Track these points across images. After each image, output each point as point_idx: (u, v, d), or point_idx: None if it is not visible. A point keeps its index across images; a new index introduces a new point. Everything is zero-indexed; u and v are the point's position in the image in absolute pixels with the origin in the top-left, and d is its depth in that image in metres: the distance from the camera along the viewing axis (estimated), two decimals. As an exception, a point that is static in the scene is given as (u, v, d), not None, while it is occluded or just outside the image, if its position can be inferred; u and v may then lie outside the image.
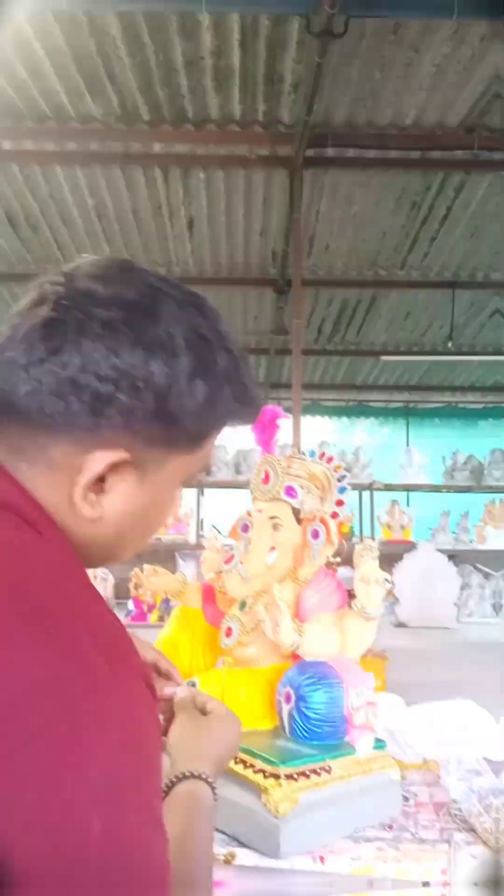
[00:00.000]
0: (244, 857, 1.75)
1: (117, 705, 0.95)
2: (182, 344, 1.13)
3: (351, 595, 2.09)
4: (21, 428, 1.09)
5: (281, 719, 2.00)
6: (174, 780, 1.40)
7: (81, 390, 1.05)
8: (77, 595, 1.03)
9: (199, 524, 13.58)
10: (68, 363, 1.05)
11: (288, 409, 12.96)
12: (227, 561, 2.23)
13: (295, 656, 2.03)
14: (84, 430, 1.08)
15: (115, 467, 1.11)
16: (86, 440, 1.08)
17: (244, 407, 1.27)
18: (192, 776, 1.41)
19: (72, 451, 1.09)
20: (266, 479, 2.22)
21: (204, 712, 1.60)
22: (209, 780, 1.41)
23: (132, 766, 0.94)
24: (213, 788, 1.41)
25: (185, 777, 1.40)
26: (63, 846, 0.86)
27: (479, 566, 12.69)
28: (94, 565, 1.25)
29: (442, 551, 11.80)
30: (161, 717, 1.59)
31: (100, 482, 1.12)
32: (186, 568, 11.77)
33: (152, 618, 10.86)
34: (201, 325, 1.18)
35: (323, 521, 2.13)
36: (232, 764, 1.88)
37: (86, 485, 1.10)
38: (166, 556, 12.51)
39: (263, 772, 1.82)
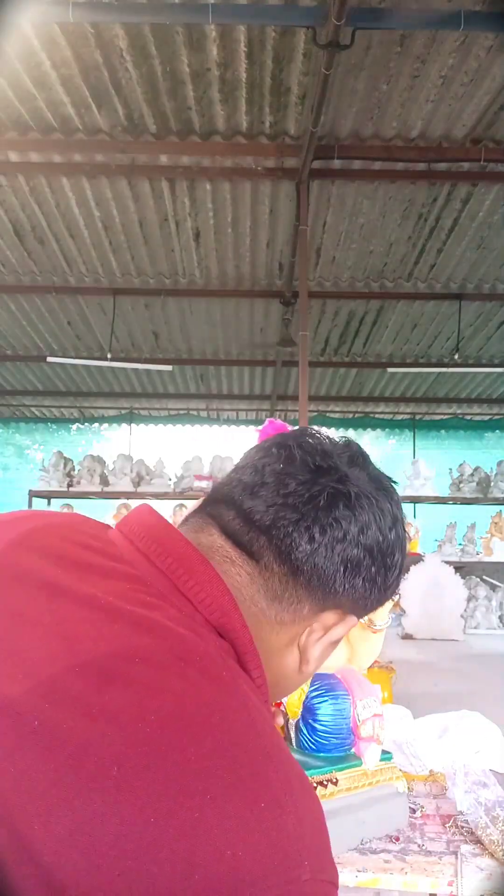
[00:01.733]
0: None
1: None
2: (402, 538, 1.26)
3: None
4: (288, 579, 1.15)
5: (288, 731, 2.00)
6: None
7: (351, 559, 1.15)
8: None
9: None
10: (348, 532, 1.14)
11: (294, 421, 12.98)
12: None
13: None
14: (336, 594, 1.17)
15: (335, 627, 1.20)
16: (330, 601, 1.17)
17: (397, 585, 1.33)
18: None
19: (316, 607, 1.17)
20: (272, 490, 2.21)
21: None
22: None
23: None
24: None
25: None
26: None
27: (486, 578, 12.69)
28: None
29: (448, 563, 11.81)
30: None
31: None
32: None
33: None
34: (398, 512, 1.28)
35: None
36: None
37: (328, 642, 1.20)
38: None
39: (270, 783, 1.81)
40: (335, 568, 1.14)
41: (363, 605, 1.22)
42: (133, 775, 0.79)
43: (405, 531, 1.27)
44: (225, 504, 1.20)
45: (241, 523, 1.16)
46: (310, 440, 1.24)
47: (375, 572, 1.18)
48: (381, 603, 1.25)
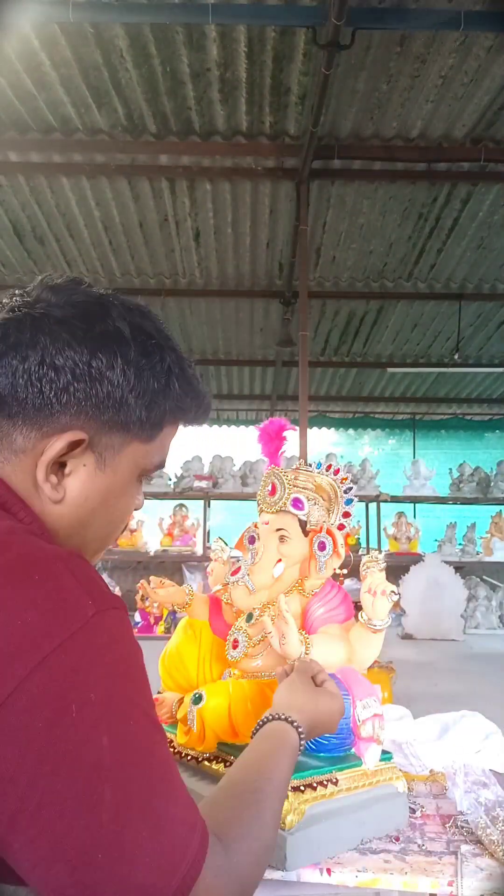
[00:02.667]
0: (250, 869, 1.74)
1: (103, 632, 1.08)
2: (129, 338, 1.30)
3: (357, 607, 2.08)
4: None
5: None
6: (266, 719, 1.56)
7: (40, 380, 1.21)
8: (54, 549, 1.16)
9: (206, 536, 13.58)
10: (27, 357, 1.21)
11: (294, 421, 12.98)
12: (234, 573, 2.22)
13: (301, 668, 2.03)
14: (43, 416, 1.23)
15: (73, 449, 1.26)
16: (45, 425, 1.23)
17: (193, 401, 1.42)
18: (284, 719, 1.53)
19: (32, 435, 1.24)
20: (273, 491, 2.21)
21: (317, 684, 1.74)
22: (299, 728, 1.53)
23: (125, 682, 1.09)
24: (301, 736, 1.52)
25: (276, 718, 1.55)
26: (78, 765, 0.98)
27: (486, 578, 12.69)
28: None
29: (448, 563, 11.80)
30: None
31: (62, 467, 1.27)
32: (193, 580, 11.80)
33: (159, 629, 10.87)
34: (147, 325, 1.34)
35: (329, 533, 2.12)
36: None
37: (48, 463, 1.24)
38: (173, 568, 12.54)
39: (270, 784, 1.82)
40: (24, 383, 1.21)
41: (103, 411, 1.27)
42: None
43: (118, 319, 1.31)
44: None
45: None
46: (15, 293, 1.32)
47: (78, 367, 1.24)
48: (141, 413, 1.32)
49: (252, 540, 2.25)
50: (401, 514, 13.73)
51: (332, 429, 19.73)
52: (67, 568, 1.10)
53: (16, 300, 1.28)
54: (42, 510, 1.27)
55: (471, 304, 12.61)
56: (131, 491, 1.39)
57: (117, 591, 11.48)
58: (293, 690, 1.68)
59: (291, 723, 1.52)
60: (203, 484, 13.57)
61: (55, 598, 1.06)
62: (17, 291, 1.31)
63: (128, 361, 1.28)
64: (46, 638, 1.01)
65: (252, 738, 1.52)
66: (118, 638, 1.10)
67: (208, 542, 13.36)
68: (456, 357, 13.54)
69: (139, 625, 11.16)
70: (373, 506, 13.98)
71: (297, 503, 2.18)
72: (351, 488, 2.24)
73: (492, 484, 14.36)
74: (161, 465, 1.44)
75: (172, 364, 1.36)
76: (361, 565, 2.03)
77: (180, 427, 1.47)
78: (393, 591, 1.97)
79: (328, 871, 1.74)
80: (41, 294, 1.29)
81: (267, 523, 2.21)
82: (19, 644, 1.00)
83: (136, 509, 1.46)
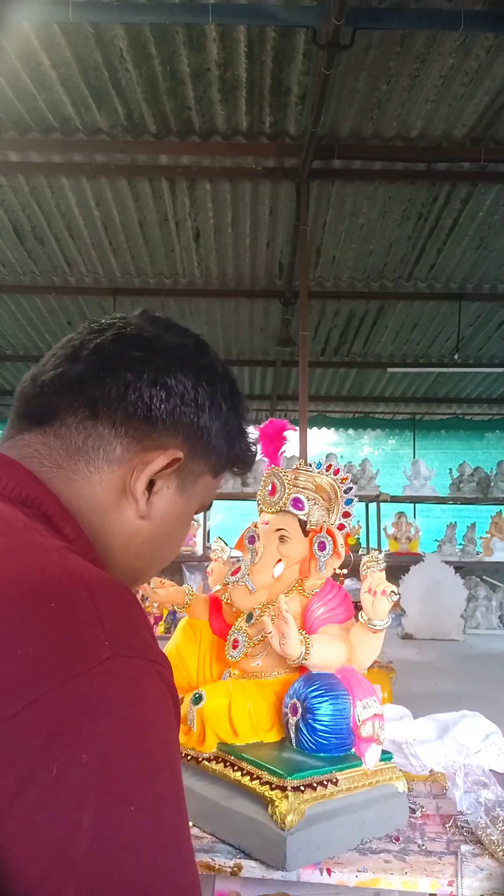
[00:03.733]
0: (251, 869, 1.74)
1: (117, 684, 0.92)
2: (223, 376, 1.40)
3: (357, 607, 2.08)
4: (87, 424, 1.24)
5: (287, 731, 2.00)
6: None
7: (151, 397, 1.25)
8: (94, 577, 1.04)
9: (206, 536, 13.58)
10: (141, 373, 1.25)
11: (294, 421, 12.98)
12: (234, 573, 2.22)
13: (301, 668, 2.03)
14: (146, 431, 1.25)
15: (169, 468, 1.28)
16: (147, 440, 1.26)
17: (247, 449, 1.50)
18: None
19: (133, 448, 1.25)
20: (273, 491, 2.21)
21: None
22: None
23: (138, 758, 0.90)
24: None
25: None
26: (51, 836, 0.81)
27: (486, 578, 12.70)
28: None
29: (448, 563, 11.80)
30: None
31: (151, 484, 1.28)
32: (193, 580, 11.79)
33: (159, 629, 10.87)
34: (229, 371, 1.44)
35: (329, 533, 2.12)
36: (239, 776, 1.88)
37: (150, 475, 1.26)
38: (173, 568, 12.54)
39: (270, 783, 1.81)
40: (135, 398, 1.24)
41: (197, 438, 1.33)
42: None
43: (214, 359, 1.40)
44: (18, 402, 1.31)
45: (32, 397, 1.28)
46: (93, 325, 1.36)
47: (187, 393, 1.30)
48: (224, 439, 1.39)
49: (252, 540, 2.24)
50: (401, 514, 13.74)
51: (332, 429, 19.74)
52: (91, 598, 0.97)
53: (120, 322, 1.33)
54: (114, 528, 1.27)
55: (471, 304, 12.62)
56: (189, 523, 1.43)
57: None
58: None
59: None
60: (203, 484, 13.58)
61: (64, 630, 0.92)
62: (117, 316, 1.37)
63: (223, 396, 1.37)
64: (43, 677, 0.87)
65: None
66: (140, 697, 0.94)
67: (208, 542, 13.36)
68: (456, 357, 13.54)
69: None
70: (373, 506, 13.98)
71: (297, 503, 2.18)
72: (351, 488, 2.24)
73: (492, 484, 14.36)
74: (208, 507, 1.50)
75: (240, 404, 1.44)
76: (361, 565, 2.03)
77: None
78: (393, 591, 1.97)
79: (328, 871, 1.74)
80: (143, 322, 1.36)
81: (267, 523, 2.21)
82: (12, 680, 0.86)
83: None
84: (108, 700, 0.90)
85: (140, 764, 0.90)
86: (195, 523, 13.37)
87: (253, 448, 1.51)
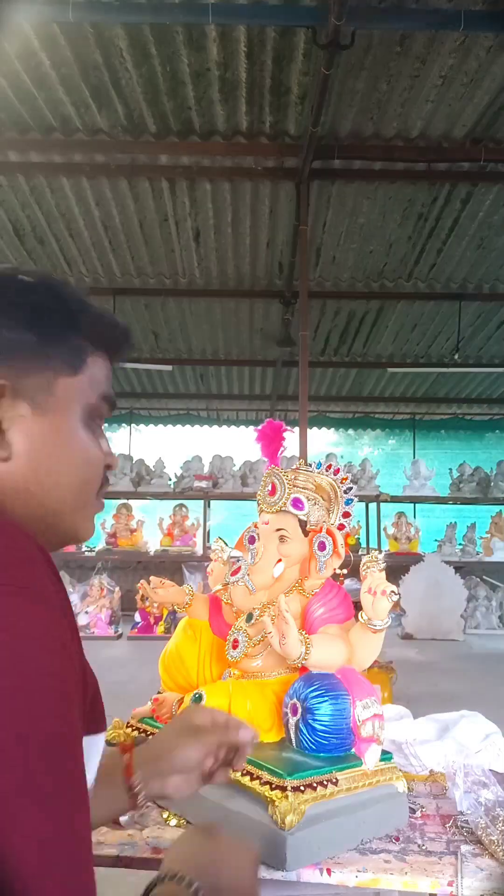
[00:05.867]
0: (250, 869, 1.74)
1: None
2: (30, 288, 1.31)
3: (357, 607, 2.08)
4: None
5: (287, 731, 2.00)
6: (155, 881, 1.27)
7: None
8: None
9: (206, 536, 13.59)
10: None
11: (294, 421, 12.99)
12: (234, 573, 2.22)
13: (301, 668, 2.03)
14: None
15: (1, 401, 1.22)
16: None
17: (106, 328, 1.41)
18: (176, 880, 1.26)
19: None
20: (272, 491, 2.21)
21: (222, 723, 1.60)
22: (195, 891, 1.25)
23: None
24: None
25: (168, 878, 1.27)
26: None
27: (486, 578, 12.71)
28: (51, 538, 1.28)
29: (448, 563, 11.83)
30: None
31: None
32: (193, 580, 11.81)
33: (159, 629, 10.89)
34: (51, 282, 1.34)
35: (329, 533, 2.12)
36: (239, 776, 1.88)
37: None
38: (173, 568, 12.56)
39: (270, 784, 1.81)
40: None
41: (16, 358, 1.25)
42: None
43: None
44: None
45: None
46: None
47: None
48: (57, 344, 1.30)
49: (252, 540, 2.25)
50: (401, 514, 13.76)
51: (332, 429, 19.72)
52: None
53: None
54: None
55: (471, 304, 12.61)
56: (82, 435, 1.34)
57: (117, 591, 11.50)
58: (192, 843, 1.45)
59: (189, 885, 1.25)
60: (203, 484, 13.59)
61: None
62: None
63: (30, 302, 1.29)
64: None
65: None
66: (7, 628, 0.95)
67: (208, 542, 13.38)
68: (456, 357, 13.54)
69: (139, 624, 11.17)
70: (373, 506, 13.99)
71: (297, 503, 2.18)
72: (351, 488, 2.24)
73: (492, 484, 14.38)
74: (107, 400, 1.41)
75: (77, 301, 1.35)
76: (361, 565, 2.03)
77: (119, 365, 1.48)
78: (393, 591, 1.97)
79: (328, 871, 1.74)
80: None
81: (267, 523, 2.21)
82: None
83: (108, 466, 1.40)
84: None
85: (10, 705, 0.92)
86: (195, 522, 13.40)
87: (106, 320, 1.42)
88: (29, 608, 0.98)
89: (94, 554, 13.10)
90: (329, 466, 2.27)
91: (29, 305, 1.28)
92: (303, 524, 2.18)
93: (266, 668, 2.14)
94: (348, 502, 2.23)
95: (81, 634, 1.12)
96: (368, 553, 2.07)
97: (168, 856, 1.41)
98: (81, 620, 10.87)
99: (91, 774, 1.13)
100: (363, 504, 13.77)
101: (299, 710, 1.94)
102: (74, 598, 11.11)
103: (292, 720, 1.96)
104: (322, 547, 2.12)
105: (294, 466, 2.30)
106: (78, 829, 0.95)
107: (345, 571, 2.16)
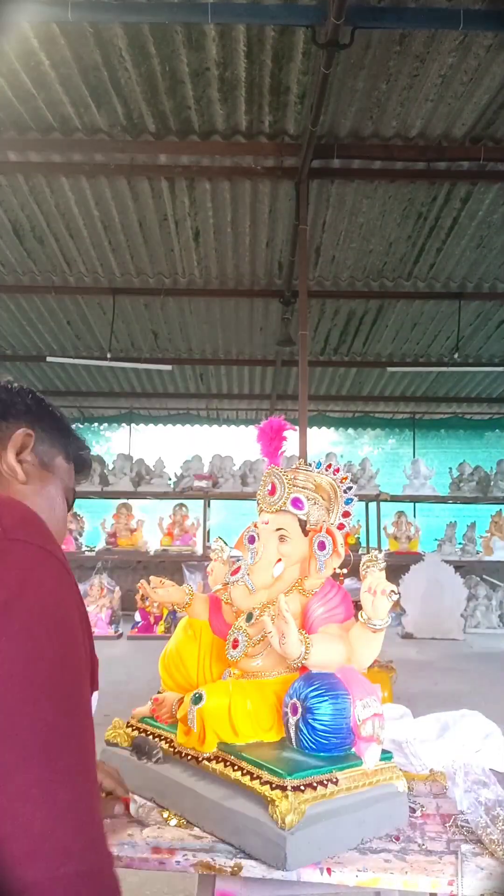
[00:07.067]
0: (251, 868, 1.73)
1: (7, 570, 1.14)
2: (46, 407, 1.90)
3: (357, 606, 2.08)
4: None
5: (287, 731, 1.99)
6: None
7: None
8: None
9: (206, 536, 13.59)
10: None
11: (294, 421, 12.99)
12: (234, 573, 2.22)
13: (301, 668, 2.03)
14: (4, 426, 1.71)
15: (25, 445, 1.71)
16: (4, 429, 1.70)
17: (80, 451, 1.94)
18: None
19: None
20: (272, 491, 2.21)
21: None
22: None
23: (19, 639, 1.09)
24: None
25: None
26: None
27: (486, 577, 12.71)
28: None
29: (448, 562, 11.83)
30: None
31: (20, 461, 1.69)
32: (193, 579, 11.80)
33: (159, 629, 10.89)
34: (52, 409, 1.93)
35: (329, 533, 2.12)
36: (239, 775, 1.88)
37: (14, 450, 1.67)
38: (173, 568, 12.55)
39: (270, 783, 1.81)
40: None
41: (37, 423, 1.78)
42: None
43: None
44: None
45: None
46: None
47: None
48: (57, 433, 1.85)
49: (252, 540, 2.24)
50: (401, 514, 13.76)
51: (332, 428, 19.72)
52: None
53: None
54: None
55: (470, 303, 12.62)
56: (57, 500, 1.82)
57: (116, 591, 11.50)
58: None
59: None
60: (203, 483, 13.60)
61: None
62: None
63: (43, 409, 1.89)
64: None
65: None
66: (32, 582, 1.14)
67: (208, 541, 13.38)
68: (456, 356, 13.54)
69: (139, 624, 11.17)
70: (373, 505, 14.00)
71: (296, 503, 2.18)
72: (351, 488, 2.24)
73: (492, 483, 14.39)
74: (68, 491, 1.88)
75: (65, 424, 1.93)
76: (361, 565, 2.03)
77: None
78: (393, 591, 1.96)
79: (328, 870, 1.74)
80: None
81: (267, 523, 2.21)
82: None
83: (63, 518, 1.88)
84: None
85: (28, 648, 1.09)
86: (195, 522, 13.40)
87: (83, 447, 1.95)
88: (55, 563, 1.19)
89: (94, 553, 13.13)
90: (329, 466, 2.27)
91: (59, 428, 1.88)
92: (303, 524, 2.18)
93: (266, 668, 2.14)
94: (348, 502, 2.22)
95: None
96: (368, 552, 2.06)
97: None
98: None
99: None
100: (363, 503, 13.78)
101: (299, 710, 1.93)
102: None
103: (292, 720, 1.96)
104: (322, 546, 2.12)
105: (294, 466, 2.29)
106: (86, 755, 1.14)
107: (345, 571, 2.16)
